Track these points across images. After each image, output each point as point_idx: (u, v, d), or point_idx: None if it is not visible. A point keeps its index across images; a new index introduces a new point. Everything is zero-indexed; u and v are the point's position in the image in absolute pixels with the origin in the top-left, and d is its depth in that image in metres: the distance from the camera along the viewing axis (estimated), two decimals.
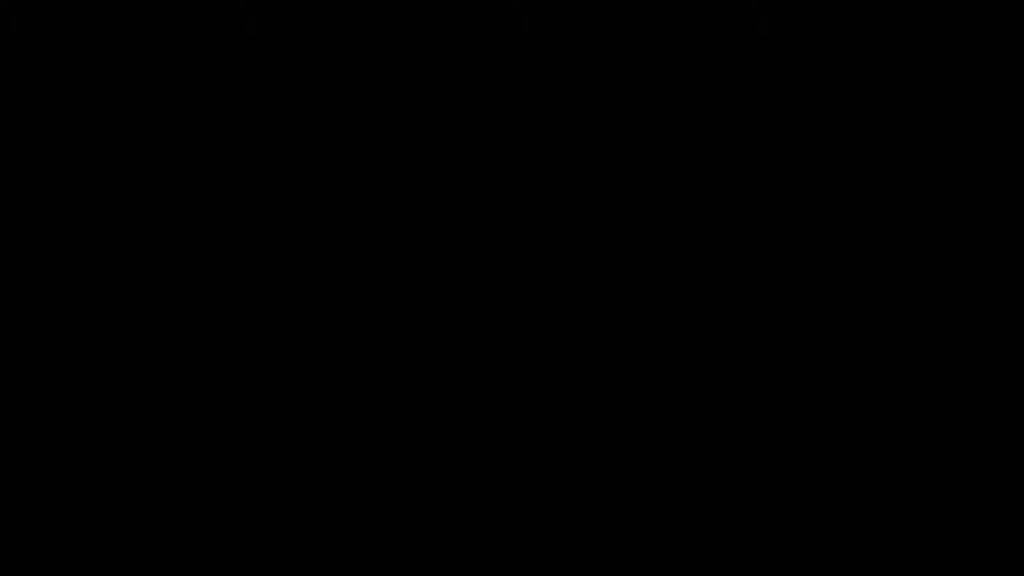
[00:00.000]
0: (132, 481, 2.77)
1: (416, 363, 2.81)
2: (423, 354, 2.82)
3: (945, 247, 2.81)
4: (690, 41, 2.87)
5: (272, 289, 2.83)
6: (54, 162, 2.86)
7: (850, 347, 2.80)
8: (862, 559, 2.74)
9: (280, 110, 2.87)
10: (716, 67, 2.86)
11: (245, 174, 2.86)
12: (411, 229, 2.85)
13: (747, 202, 2.84)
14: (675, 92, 2.86)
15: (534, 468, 2.79)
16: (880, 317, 2.80)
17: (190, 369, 2.80)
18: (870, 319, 2.80)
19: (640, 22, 2.88)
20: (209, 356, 2.81)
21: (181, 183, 2.85)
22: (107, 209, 2.84)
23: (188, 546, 2.76)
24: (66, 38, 2.88)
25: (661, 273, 2.82)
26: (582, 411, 2.80)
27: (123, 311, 2.82)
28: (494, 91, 2.87)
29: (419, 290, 2.83)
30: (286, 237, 2.84)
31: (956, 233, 2.82)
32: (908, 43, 2.86)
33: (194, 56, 2.87)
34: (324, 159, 2.86)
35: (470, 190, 2.85)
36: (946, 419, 2.77)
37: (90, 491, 2.77)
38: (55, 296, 2.82)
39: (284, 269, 2.83)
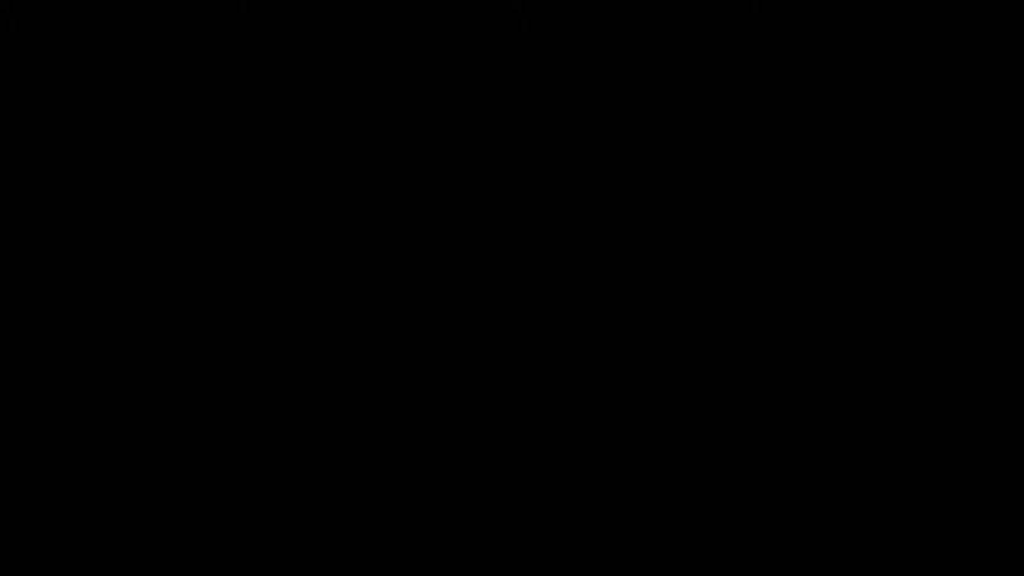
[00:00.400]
0: (132, 481, 2.77)
1: (416, 363, 2.81)
2: (423, 354, 2.82)
3: (943, 246, 2.82)
4: (690, 41, 2.87)
5: (273, 289, 2.83)
6: (54, 162, 2.86)
7: (849, 346, 2.80)
8: (862, 559, 2.74)
9: (280, 110, 2.87)
10: (716, 67, 2.86)
11: (245, 174, 2.86)
12: (411, 228, 2.85)
13: (747, 202, 2.84)
14: (675, 92, 2.86)
15: (534, 468, 2.79)
16: (877, 316, 2.81)
17: (190, 369, 2.80)
18: (867, 318, 2.81)
19: (640, 22, 2.88)
20: (209, 356, 2.81)
21: (181, 183, 2.85)
22: (107, 209, 2.84)
23: (188, 546, 2.76)
24: (66, 38, 2.88)
25: (661, 272, 2.83)
26: (582, 411, 2.80)
27: (123, 311, 2.82)
28: (494, 91, 2.87)
29: (419, 290, 2.83)
30: (287, 237, 2.84)
31: (954, 232, 2.82)
32: (904, 42, 2.86)
33: (194, 56, 2.88)
34: (324, 159, 2.86)
35: (470, 189, 2.85)
36: (946, 419, 2.77)
37: (90, 491, 2.77)
38: (55, 296, 2.82)
39: (285, 269, 2.83)
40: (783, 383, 2.79)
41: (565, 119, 2.86)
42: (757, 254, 2.83)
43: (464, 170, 2.86)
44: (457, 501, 2.78)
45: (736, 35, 2.86)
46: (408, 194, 2.86)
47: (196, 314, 2.82)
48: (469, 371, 2.81)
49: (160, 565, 2.75)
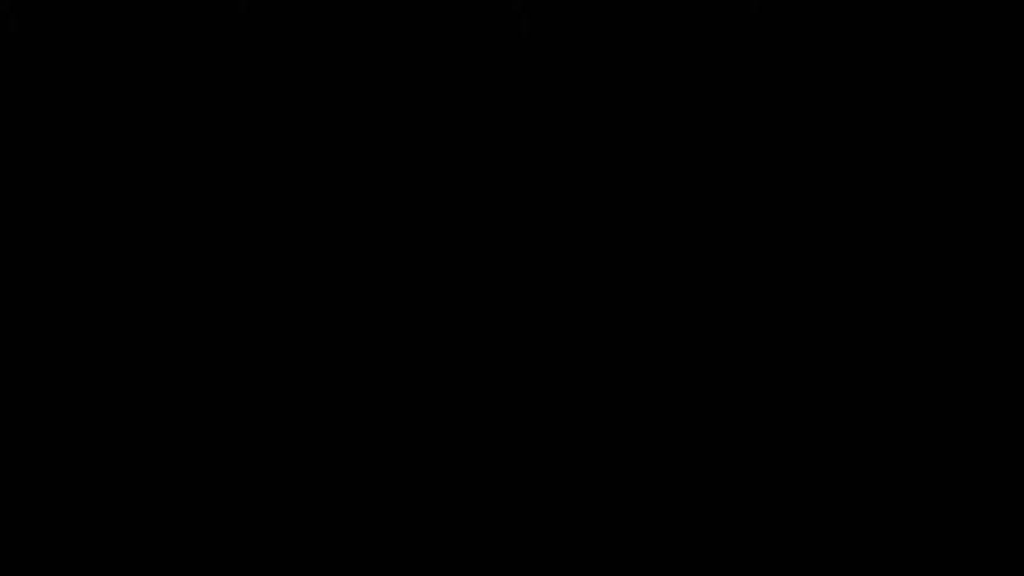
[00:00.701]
0: (132, 481, 2.77)
1: (416, 363, 2.81)
2: (423, 354, 2.82)
3: (943, 246, 2.82)
4: (690, 41, 2.87)
5: (274, 289, 2.83)
6: (54, 162, 2.86)
7: (849, 346, 2.80)
8: (862, 559, 2.74)
9: (280, 110, 2.87)
10: (716, 67, 2.86)
11: (245, 174, 2.86)
12: (411, 228, 2.85)
13: (747, 202, 2.84)
14: (675, 92, 2.86)
15: (534, 468, 2.79)
16: (877, 316, 2.81)
17: (190, 369, 2.80)
18: (867, 318, 2.81)
19: (640, 22, 2.88)
20: (209, 356, 2.81)
21: (181, 183, 2.85)
22: (107, 209, 2.84)
23: (188, 546, 2.76)
24: (66, 38, 2.88)
25: (660, 272, 2.83)
26: (582, 411, 2.80)
27: (123, 311, 2.82)
28: (494, 91, 2.87)
29: (419, 289, 2.83)
30: (287, 236, 2.84)
31: (954, 232, 2.82)
32: (904, 42, 2.86)
33: (194, 56, 2.88)
34: (325, 159, 2.86)
35: (470, 189, 2.85)
36: (946, 419, 2.77)
37: (90, 491, 2.77)
38: (55, 296, 2.82)
39: (286, 269, 2.83)
40: (783, 383, 2.79)
41: (565, 119, 2.86)
42: (757, 254, 2.83)
43: (464, 170, 2.86)
44: (457, 501, 2.78)
45: (736, 35, 2.86)
46: (408, 194, 2.86)
47: (196, 314, 2.82)
48: (469, 371, 2.81)
49: (160, 565, 2.75)
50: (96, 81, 2.87)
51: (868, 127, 2.85)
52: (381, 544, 2.77)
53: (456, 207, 2.85)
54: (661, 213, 2.84)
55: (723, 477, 2.77)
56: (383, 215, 2.85)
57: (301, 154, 2.86)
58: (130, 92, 2.87)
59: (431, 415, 2.80)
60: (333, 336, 2.82)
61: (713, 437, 2.79)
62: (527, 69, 2.87)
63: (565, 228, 2.84)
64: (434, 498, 2.78)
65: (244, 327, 2.82)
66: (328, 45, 2.88)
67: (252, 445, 2.79)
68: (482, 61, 2.87)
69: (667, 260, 2.83)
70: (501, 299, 2.83)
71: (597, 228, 2.84)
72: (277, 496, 2.78)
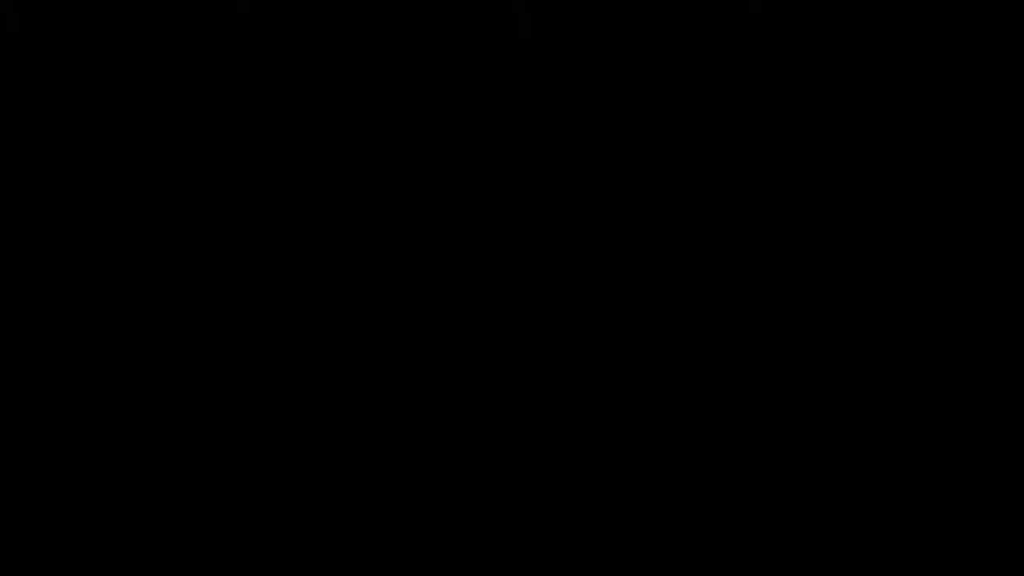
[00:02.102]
0: (132, 481, 2.77)
1: (416, 363, 2.81)
2: (423, 354, 2.82)
3: (943, 246, 2.82)
4: (690, 41, 2.87)
5: (274, 289, 2.83)
6: (54, 162, 2.86)
7: (849, 346, 2.80)
8: (862, 559, 2.74)
9: (280, 110, 2.87)
10: (716, 67, 2.86)
11: (245, 174, 2.86)
12: (411, 228, 2.85)
13: (747, 202, 2.84)
14: (675, 92, 2.86)
15: (534, 468, 2.79)
16: (877, 316, 2.81)
17: (190, 369, 2.81)
18: (867, 319, 2.81)
19: (640, 22, 2.88)
20: (209, 356, 2.81)
21: (181, 183, 2.85)
22: (107, 209, 2.84)
23: (188, 546, 2.76)
24: (66, 38, 2.88)
25: (660, 272, 2.83)
26: (582, 411, 2.80)
27: (123, 311, 2.82)
28: (494, 91, 2.87)
29: (419, 290, 2.83)
30: (287, 237, 2.84)
31: (954, 233, 2.82)
32: (904, 42, 2.86)
33: (194, 56, 2.88)
34: (324, 159, 2.86)
35: (470, 189, 2.85)
36: (946, 419, 2.77)
37: (90, 491, 2.77)
38: (55, 296, 2.82)
39: (286, 269, 2.83)
40: (783, 383, 2.80)
41: (565, 119, 2.86)
42: (757, 254, 2.83)
43: (464, 170, 2.86)
44: (457, 501, 2.78)
45: (736, 35, 2.86)
46: (408, 194, 2.86)
47: (196, 314, 2.82)
48: (469, 371, 2.81)
49: (160, 565, 2.75)
50: (96, 81, 2.87)
51: (868, 127, 2.85)
52: (381, 544, 2.77)
53: (456, 207, 2.85)
54: (661, 213, 2.84)
55: (723, 477, 2.77)
56: (383, 215, 2.85)
57: (301, 154, 2.87)
58: (130, 92, 2.87)
59: (431, 415, 2.81)
60: (333, 335, 2.82)
61: (713, 437, 2.79)
62: (527, 69, 2.87)
63: (565, 227, 2.84)
64: (434, 498, 2.78)
65: (244, 326, 2.82)
66: (328, 45, 2.88)
67: (252, 445, 2.79)
68: (482, 61, 2.87)
69: (666, 260, 2.83)
70: (501, 298, 2.83)
71: (597, 227, 2.84)
72: (277, 496, 2.78)
